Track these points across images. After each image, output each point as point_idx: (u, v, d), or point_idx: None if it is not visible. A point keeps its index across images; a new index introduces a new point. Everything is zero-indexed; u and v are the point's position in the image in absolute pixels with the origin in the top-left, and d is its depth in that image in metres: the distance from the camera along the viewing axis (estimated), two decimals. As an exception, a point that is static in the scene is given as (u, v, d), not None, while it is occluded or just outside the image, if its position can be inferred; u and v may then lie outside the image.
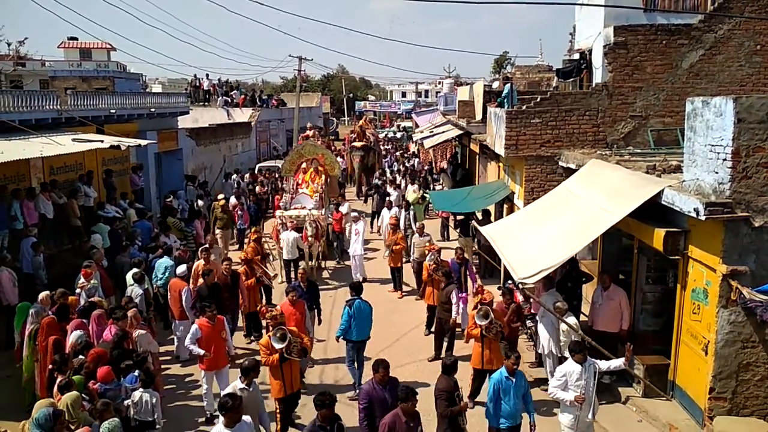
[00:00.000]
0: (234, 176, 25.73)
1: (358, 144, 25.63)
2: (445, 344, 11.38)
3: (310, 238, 15.47)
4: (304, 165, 18.18)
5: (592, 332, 9.83)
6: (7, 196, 13.49)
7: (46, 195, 14.42)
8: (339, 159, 24.82)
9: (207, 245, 13.25)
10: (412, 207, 18.24)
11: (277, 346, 8.16)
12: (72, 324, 9.17)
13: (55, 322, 9.19)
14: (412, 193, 19.73)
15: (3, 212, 13.26)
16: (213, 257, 13.04)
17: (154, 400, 7.91)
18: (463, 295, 11.30)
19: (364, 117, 32.83)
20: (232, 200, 19.83)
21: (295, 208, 16.74)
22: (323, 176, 18.10)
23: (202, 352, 9.02)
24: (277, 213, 16.96)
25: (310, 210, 16.38)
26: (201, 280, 11.43)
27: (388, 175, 27.41)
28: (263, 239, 14.92)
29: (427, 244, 13.78)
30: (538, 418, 7.95)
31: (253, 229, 15.43)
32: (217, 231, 17.36)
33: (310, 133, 22.67)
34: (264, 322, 9.96)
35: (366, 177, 26.83)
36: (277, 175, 26.41)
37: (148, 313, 11.08)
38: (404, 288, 15.41)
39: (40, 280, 12.51)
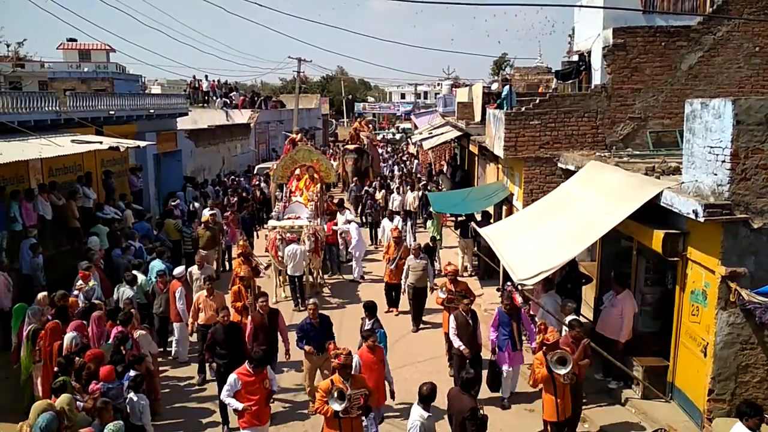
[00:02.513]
0: (209, 187, 23.61)
1: (351, 146, 24.33)
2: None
3: (308, 253, 14.28)
4: (297, 171, 17.10)
5: (594, 334, 9.84)
6: (6, 197, 13.47)
7: (45, 196, 14.41)
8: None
9: (210, 274, 11.68)
10: (429, 219, 17.30)
11: (335, 407, 7.01)
12: (70, 326, 9.17)
13: (59, 327, 9.17)
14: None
15: (2, 214, 13.24)
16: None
17: (142, 403, 7.89)
18: (514, 353, 9.60)
19: (359, 119, 31.17)
20: (206, 212, 17.45)
21: (288, 218, 15.61)
22: (318, 184, 16.95)
23: (240, 406, 7.65)
24: (270, 223, 15.56)
25: (307, 220, 15.24)
26: (202, 315, 10.53)
27: (393, 176, 26.18)
28: (250, 255, 13.50)
29: (447, 269, 11.53)
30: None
31: (240, 243, 14.00)
32: (200, 251, 14.22)
33: (296, 137, 20.29)
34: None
35: (360, 181, 25.24)
36: (259, 182, 24.67)
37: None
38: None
39: (38, 282, 12.50)
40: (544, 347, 8.13)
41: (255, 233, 19.47)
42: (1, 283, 11.60)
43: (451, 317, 9.84)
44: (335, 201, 19.15)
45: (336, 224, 17.04)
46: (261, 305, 9.68)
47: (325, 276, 16.67)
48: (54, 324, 9.18)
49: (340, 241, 17.07)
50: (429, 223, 17.45)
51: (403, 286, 13.44)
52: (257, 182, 25.34)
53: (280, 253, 14.14)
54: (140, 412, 7.84)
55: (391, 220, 17.52)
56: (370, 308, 9.74)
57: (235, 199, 21.42)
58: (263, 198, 23.16)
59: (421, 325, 13.22)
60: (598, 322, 10.11)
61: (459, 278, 11.43)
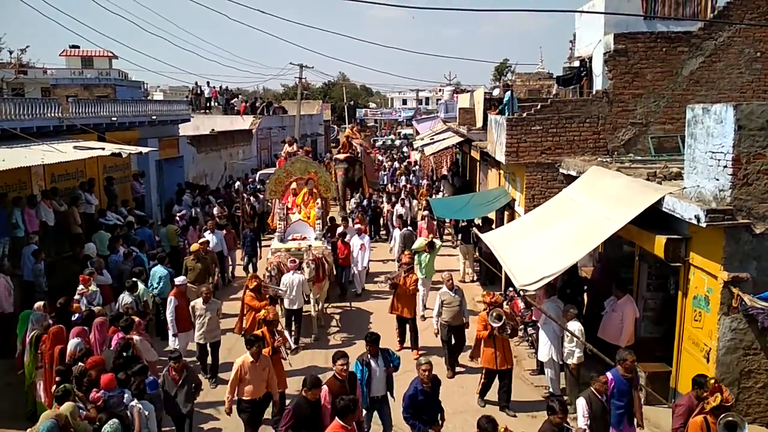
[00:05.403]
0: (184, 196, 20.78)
1: (341, 156, 21.82)
2: None
3: (309, 281, 12.41)
4: (294, 186, 15.08)
5: (597, 339, 9.82)
6: (8, 203, 13.51)
7: (48, 202, 14.44)
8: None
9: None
10: (417, 256, 13.53)
11: None
12: (72, 332, 9.18)
13: (62, 331, 9.19)
14: (419, 240, 15.03)
15: (4, 220, 13.27)
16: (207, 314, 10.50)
17: (147, 412, 7.83)
18: (631, 430, 7.64)
19: (351, 126, 28.26)
20: (209, 236, 15.48)
21: (293, 239, 13.96)
22: (319, 199, 15.06)
23: None
24: (273, 245, 13.87)
25: (316, 241, 13.71)
26: (247, 387, 8.17)
27: (393, 189, 24.84)
28: (263, 284, 11.49)
29: (483, 295, 10.47)
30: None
31: (250, 274, 12.37)
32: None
33: (291, 148, 17.40)
34: None
35: (351, 192, 23.45)
36: (245, 194, 22.41)
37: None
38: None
39: (40, 288, 12.52)
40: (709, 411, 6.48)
41: (259, 252, 17.13)
42: (2, 285, 11.58)
43: (581, 400, 7.33)
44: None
45: (348, 245, 15.36)
46: (339, 369, 7.52)
47: (333, 304, 14.84)
48: (57, 328, 9.20)
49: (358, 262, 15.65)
50: (423, 258, 13.58)
51: (435, 326, 11.43)
52: (237, 194, 23.01)
53: (283, 280, 12.27)
54: (146, 419, 7.81)
55: (401, 228, 17.02)
56: (374, 340, 8.30)
57: (225, 212, 19.87)
58: (254, 213, 21.39)
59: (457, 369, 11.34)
60: (600, 328, 10.10)
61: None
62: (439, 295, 11.20)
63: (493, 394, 10.07)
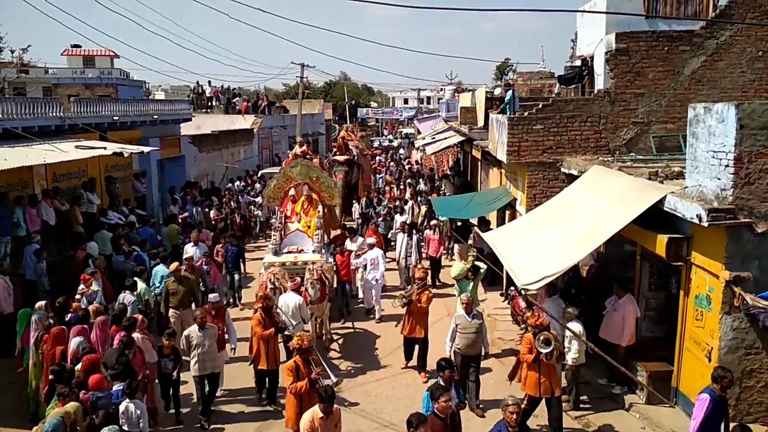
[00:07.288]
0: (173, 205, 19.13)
1: (340, 158, 19.87)
2: None
3: (311, 301, 11.06)
4: (292, 192, 13.75)
5: (598, 339, 9.81)
6: (10, 202, 13.51)
7: (49, 202, 14.44)
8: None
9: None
10: (458, 285, 11.47)
11: None
12: (73, 330, 9.19)
13: (63, 332, 9.19)
14: (457, 265, 12.03)
15: (6, 219, 13.28)
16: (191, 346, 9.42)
17: (138, 412, 7.83)
18: None
19: (345, 127, 26.90)
20: (191, 250, 13.90)
21: (289, 251, 12.70)
22: (319, 207, 13.64)
23: None
24: (266, 258, 12.39)
25: (312, 254, 12.35)
26: None
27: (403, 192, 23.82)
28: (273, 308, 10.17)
29: (527, 316, 9.22)
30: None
31: (259, 295, 10.33)
32: (171, 312, 11.48)
33: (300, 149, 16.12)
34: None
35: (350, 196, 21.44)
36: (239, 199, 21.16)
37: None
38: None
39: (42, 287, 12.53)
40: None
41: (243, 268, 15.56)
42: (1, 286, 11.55)
43: None
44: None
45: (348, 256, 14.13)
46: (444, 407, 6.67)
47: (335, 324, 13.53)
48: (59, 329, 9.21)
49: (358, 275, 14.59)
50: (465, 287, 11.19)
51: (447, 352, 9.97)
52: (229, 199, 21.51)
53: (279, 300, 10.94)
54: (138, 419, 7.80)
55: (410, 235, 15.94)
56: (451, 368, 7.58)
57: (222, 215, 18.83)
58: (244, 224, 20.42)
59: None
60: (601, 327, 10.10)
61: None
62: (454, 319, 10.16)
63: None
